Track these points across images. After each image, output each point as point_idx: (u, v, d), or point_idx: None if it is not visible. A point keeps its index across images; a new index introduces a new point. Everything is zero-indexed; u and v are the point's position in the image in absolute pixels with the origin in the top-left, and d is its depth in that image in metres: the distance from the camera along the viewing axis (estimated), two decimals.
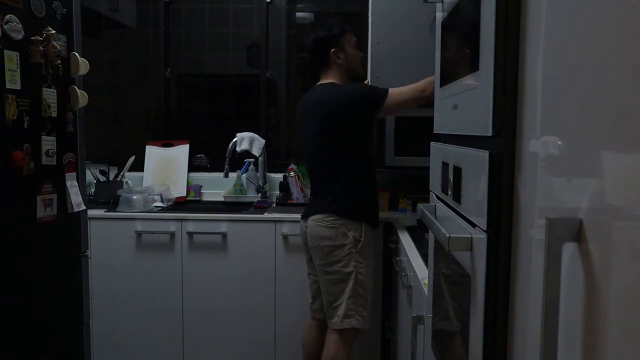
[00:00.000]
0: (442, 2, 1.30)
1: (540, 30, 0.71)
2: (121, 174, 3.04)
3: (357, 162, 2.21)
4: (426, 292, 1.47)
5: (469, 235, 0.91)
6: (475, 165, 0.89)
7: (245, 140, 3.02)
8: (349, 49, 2.27)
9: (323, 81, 2.29)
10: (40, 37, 1.69)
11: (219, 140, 3.17)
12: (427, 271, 1.58)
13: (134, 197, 2.75)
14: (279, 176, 3.12)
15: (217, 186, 3.16)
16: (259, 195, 3.08)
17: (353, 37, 2.31)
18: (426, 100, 2.12)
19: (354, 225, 2.15)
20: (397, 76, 2.55)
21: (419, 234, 2.24)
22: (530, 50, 0.74)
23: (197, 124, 3.46)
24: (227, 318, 2.70)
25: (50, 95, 1.77)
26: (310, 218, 2.22)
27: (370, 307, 2.22)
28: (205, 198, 3.15)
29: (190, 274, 2.69)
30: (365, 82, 2.52)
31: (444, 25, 1.28)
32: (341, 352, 2.16)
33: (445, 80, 1.24)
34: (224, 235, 2.67)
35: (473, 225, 0.91)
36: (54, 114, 1.79)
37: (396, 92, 2.17)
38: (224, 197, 3.07)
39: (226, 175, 3.00)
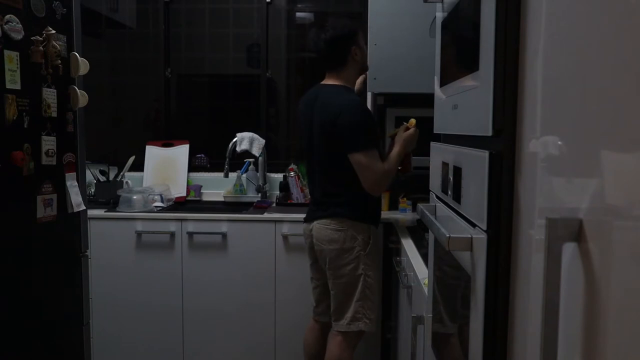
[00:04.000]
0: (442, 2, 1.30)
1: (540, 30, 0.71)
2: (121, 174, 3.04)
3: None
4: (426, 292, 1.47)
5: (469, 235, 0.91)
6: (475, 165, 0.89)
7: (245, 140, 3.02)
8: (363, 46, 2.24)
9: (334, 82, 2.20)
10: (40, 37, 1.69)
11: (219, 140, 3.17)
12: (427, 271, 1.58)
13: (134, 197, 2.75)
14: (279, 176, 3.12)
15: (217, 186, 3.16)
16: (259, 195, 3.08)
17: (362, 33, 2.29)
18: (372, 189, 2.09)
19: (362, 227, 2.13)
20: (395, 78, 2.56)
21: (419, 234, 2.24)
22: (530, 50, 0.74)
23: (197, 124, 3.46)
24: (227, 318, 2.70)
25: (50, 95, 1.77)
26: (316, 221, 2.18)
27: (377, 309, 2.21)
28: (205, 198, 3.15)
29: (190, 274, 2.69)
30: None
31: (444, 25, 1.28)
32: (345, 354, 2.15)
33: (445, 80, 1.24)
34: (224, 235, 2.67)
35: (473, 225, 0.91)
36: (54, 114, 1.79)
37: (371, 158, 2.06)
38: (224, 197, 3.07)
39: (226, 175, 3.00)
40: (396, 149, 2.18)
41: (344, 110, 2.09)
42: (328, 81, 2.23)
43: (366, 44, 2.30)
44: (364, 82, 2.44)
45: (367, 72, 2.41)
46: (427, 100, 1.81)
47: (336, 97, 2.14)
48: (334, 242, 2.12)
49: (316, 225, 2.18)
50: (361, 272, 2.11)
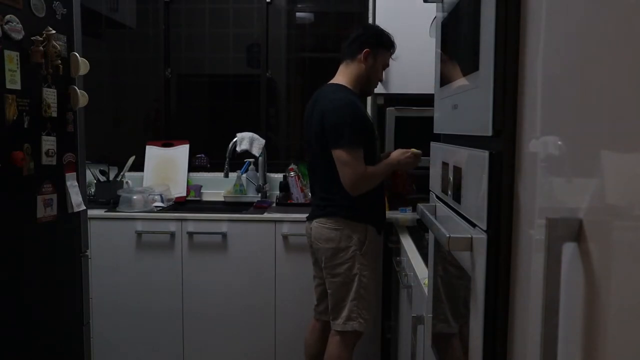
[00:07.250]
0: (442, 2, 1.30)
1: (540, 30, 0.71)
2: (121, 174, 3.04)
3: None
4: (426, 292, 1.47)
5: (469, 235, 0.91)
6: (475, 165, 0.89)
7: (245, 140, 3.02)
8: (378, 62, 2.21)
9: (335, 80, 2.22)
10: (40, 37, 1.69)
11: (219, 140, 3.17)
12: (427, 271, 1.58)
13: (134, 197, 2.75)
14: (279, 176, 3.12)
15: (217, 186, 3.16)
16: (259, 195, 3.08)
17: (389, 58, 2.27)
18: (350, 187, 2.08)
19: (358, 227, 2.13)
20: (403, 79, 2.56)
21: (419, 234, 2.24)
22: (530, 50, 0.74)
23: (197, 124, 3.46)
24: (227, 318, 2.70)
25: (50, 95, 1.77)
26: (314, 220, 2.19)
27: (373, 310, 2.21)
28: (205, 198, 3.15)
29: (190, 274, 2.69)
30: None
31: (444, 25, 1.28)
32: (343, 354, 2.15)
33: (445, 80, 1.24)
34: (224, 235, 2.66)
35: (473, 225, 0.91)
36: (54, 114, 1.79)
37: (354, 157, 2.06)
38: (224, 197, 3.07)
39: (226, 175, 3.00)
40: (388, 160, 2.19)
41: (330, 108, 2.11)
42: (332, 80, 2.24)
43: (383, 68, 2.25)
44: None
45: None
46: (427, 100, 1.81)
47: (327, 96, 2.16)
48: (330, 241, 2.13)
49: (314, 224, 2.19)
50: (356, 271, 2.11)
